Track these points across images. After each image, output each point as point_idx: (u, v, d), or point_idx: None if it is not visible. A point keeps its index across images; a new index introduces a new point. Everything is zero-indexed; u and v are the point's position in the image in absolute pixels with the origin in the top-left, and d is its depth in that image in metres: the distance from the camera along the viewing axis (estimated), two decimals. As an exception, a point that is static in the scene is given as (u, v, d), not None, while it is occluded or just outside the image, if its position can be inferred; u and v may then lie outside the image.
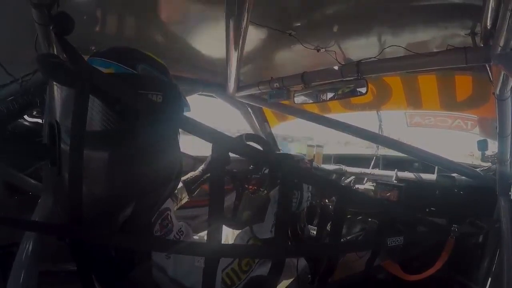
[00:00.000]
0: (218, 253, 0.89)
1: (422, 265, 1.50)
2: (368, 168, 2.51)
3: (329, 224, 2.15)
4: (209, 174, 1.52)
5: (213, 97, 2.45)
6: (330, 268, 1.23)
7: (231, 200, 1.71)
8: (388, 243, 1.11)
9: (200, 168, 1.60)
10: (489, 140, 1.77)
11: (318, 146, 2.70)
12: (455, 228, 1.34)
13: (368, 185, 2.26)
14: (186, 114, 1.05)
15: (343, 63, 1.68)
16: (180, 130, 1.00)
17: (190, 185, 1.53)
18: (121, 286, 0.96)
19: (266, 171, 2.15)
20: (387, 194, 2.05)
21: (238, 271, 1.14)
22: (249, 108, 2.73)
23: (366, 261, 1.41)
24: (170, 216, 1.02)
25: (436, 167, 2.18)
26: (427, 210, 1.92)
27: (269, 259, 1.01)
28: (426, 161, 2.05)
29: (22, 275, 0.99)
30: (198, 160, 2.04)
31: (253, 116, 2.80)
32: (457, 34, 1.38)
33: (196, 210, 2.31)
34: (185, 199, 1.53)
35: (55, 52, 1.07)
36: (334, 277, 1.42)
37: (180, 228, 1.03)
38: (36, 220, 1.14)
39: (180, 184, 1.49)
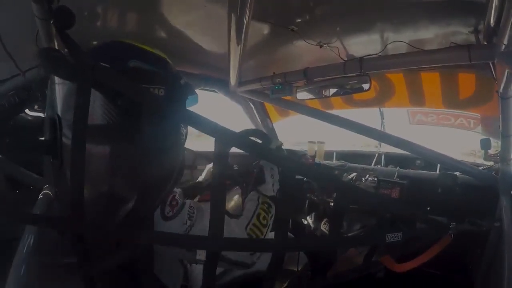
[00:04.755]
0: (219, 247, 0.90)
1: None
2: (370, 165, 2.51)
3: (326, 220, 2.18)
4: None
5: (215, 92, 2.45)
6: (329, 262, 1.24)
7: (232, 197, 1.72)
8: (387, 239, 1.11)
9: (200, 178, 1.60)
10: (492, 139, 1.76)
11: (319, 142, 2.69)
12: (453, 225, 1.34)
13: (370, 182, 2.26)
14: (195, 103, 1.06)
15: (345, 59, 1.67)
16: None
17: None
18: (122, 279, 0.96)
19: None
20: (389, 191, 2.05)
21: (259, 225, 1.14)
22: (251, 104, 2.73)
23: (364, 256, 1.42)
24: (177, 196, 1.02)
25: (438, 165, 2.18)
26: (428, 208, 1.92)
27: (269, 252, 1.01)
28: (428, 159, 2.05)
29: (23, 268, 0.99)
30: (198, 154, 2.05)
31: (255, 112, 2.80)
32: (461, 32, 1.36)
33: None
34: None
35: (56, 47, 1.07)
36: (335, 271, 1.43)
37: (190, 204, 1.03)
38: (37, 213, 1.15)
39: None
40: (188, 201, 1.01)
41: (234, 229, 1.00)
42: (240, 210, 1.30)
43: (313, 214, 2.28)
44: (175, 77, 0.97)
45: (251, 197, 1.19)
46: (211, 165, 1.59)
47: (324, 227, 2.15)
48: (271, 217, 1.15)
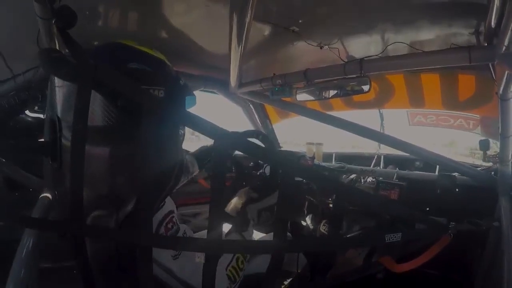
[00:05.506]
0: (218, 249, 0.89)
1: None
2: (369, 166, 2.51)
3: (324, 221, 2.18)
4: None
5: (215, 93, 2.45)
6: (329, 263, 1.24)
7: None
8: (386, 239, 1.11)
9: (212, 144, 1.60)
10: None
11: (318, 143, 2.70)
12: (452, 225, 1.34)
13: (369, 183, 2.26)
14: (193, 105, 1.06)
15: (346, 60, 1.67)
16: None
17: (202, 159, 1.54)
18: (122, 282, 0.96)
19: (267, 168, 2.16)
20: (388, 193, 2.05)
21: (237, 268, 1.15)
22: (250, 105, 2.73)
23: (363, 257, 1.42)
24: (175, 219, 1.02)
25: (438, 166, 2.18)
26: (427, 209, 1.93)
27: (268, 254, 1.01)
28: (428, 160, 2.04)
29: (22, 271, 0.99)
30: None
31: (254, 113, 2.80)
32: (461, 33, 1.37)
33: (198, 208, 2.32)
34: (195, 172, 1.53)
35: (57, 47, 1.06)
36: (334, 272, 1.44)
37: (184, 230, 1.03)
38: (36, 216, 1.14)
39: (192, 157, 1.50)
40: (183, 227, 1.02)
41: None
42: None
43: (312, 215, 2.28)
44: (174, 78, 0.97)
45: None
46: None
47: (323, 228, 2.15)
48: (247, 261, 1.19)
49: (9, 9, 1.13)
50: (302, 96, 1.99)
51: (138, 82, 0.83)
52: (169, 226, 0.99)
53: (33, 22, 0.99)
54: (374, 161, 2.63)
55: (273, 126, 2.98)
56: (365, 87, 1.67)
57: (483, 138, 1.87)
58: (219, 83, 2.26)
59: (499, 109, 1.31)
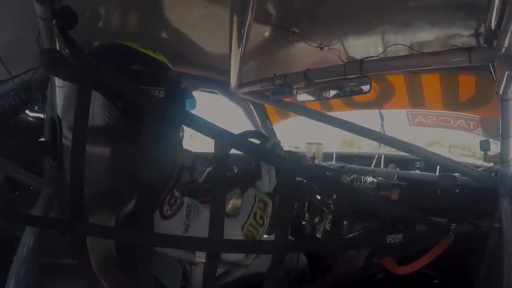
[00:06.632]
0: (219, 248, 0.89)
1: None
2: (370, 166, 2.51)
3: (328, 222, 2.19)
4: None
5: (215, 93, 2.46)
6: (330, 264, 1.24)
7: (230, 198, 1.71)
8: (387, 240, 1.11)
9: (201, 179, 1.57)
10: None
11: (317, 143, 2.70)
12: (453, 226, 1.34)
13: (369, 184, 2.26)
14: (193, 108, 1.05)
15: (346, 61, 1.67)
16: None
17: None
18: (122, 281, 0.96)
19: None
20: (389, 193, 2.05)
21: (256, 225, 1.14)
22: (250, 105, 2.73)
23: (364, 258, 1.42)
24: (176, 193, 1.01)
25: (438, 167, 2.18)
26: (428, 209, 1.93)
27: (270, 254, 1.01)
28: (428, 160, 2.04)
29: (23, 269, 0.99)
30: (198, 156, 2.05)
31: (255, 113, 2.80)
32: (461, 34, 1.37)
33: None
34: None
35: (58, 47, 1.07)
36: (335, 273, 1.44)
37: (188, 202, 1.01)
38: (37, 214, 1.15)
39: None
40: (186, 199, 1.01)
41: (230, 229, 0.97)
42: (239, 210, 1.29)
43: (313, 215, 2.29)
44: (175, 80, 0.97)
45: (247, 194, 1.18)
46: (210, 168, 1.56)
47: (328, 226, 2.15)
48: (267, 216, 1.14)
49: (9, 9, 1.13)
50: (302, 97, 1.99)
51: (139, 83, 0.84)
52: (172, 201, 0.97)
53: (33, 22, 1.00)
54: (374, 161, 2.63)
55: (273, 126, 2.97)
56: (365, 88, 1.67)
57: (483, 138, 1.87)
58: (220, 83, 2.26)
59: (500, 109, 1.32)
